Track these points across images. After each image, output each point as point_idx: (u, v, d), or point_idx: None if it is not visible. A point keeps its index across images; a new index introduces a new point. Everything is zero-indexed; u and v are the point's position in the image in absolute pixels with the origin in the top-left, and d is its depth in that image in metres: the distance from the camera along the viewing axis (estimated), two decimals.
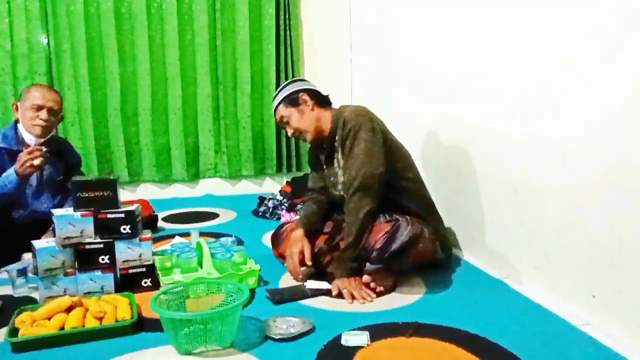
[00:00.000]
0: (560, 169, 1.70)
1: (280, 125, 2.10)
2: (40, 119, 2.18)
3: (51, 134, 2.30)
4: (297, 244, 2.01)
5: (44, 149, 2.13)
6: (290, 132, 2.05)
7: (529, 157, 1.85)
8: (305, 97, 2.02)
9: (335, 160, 2.01)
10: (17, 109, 2.24)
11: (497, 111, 2.04)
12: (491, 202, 2.11)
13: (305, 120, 2.01)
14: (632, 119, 1.41)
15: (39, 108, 2.18)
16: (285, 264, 2.07)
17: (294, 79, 2.21)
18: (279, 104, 2.04)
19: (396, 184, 1.97)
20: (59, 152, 2.39)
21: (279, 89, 2.08)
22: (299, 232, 2.06)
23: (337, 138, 1.98)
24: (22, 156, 2.10)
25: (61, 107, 2.30)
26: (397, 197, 1.97)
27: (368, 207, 1.84)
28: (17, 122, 2.26)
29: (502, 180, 2.02)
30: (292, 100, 2.02)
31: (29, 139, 2.22)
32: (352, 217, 1.84)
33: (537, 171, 1.81)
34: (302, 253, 1.99)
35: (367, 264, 1.91)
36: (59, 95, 2.31)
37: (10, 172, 2.12)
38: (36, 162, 2.09)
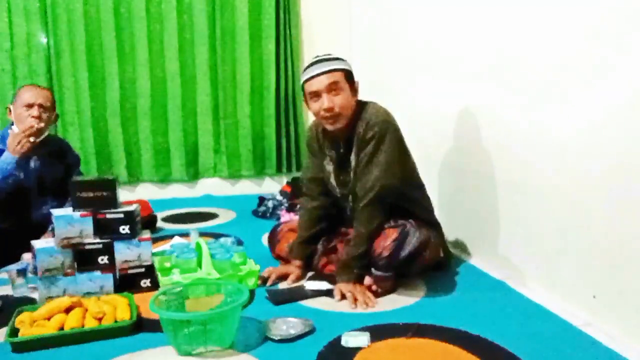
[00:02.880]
0: (561, 169, 1.70)
1: (316, 92, 1.79)
2: (32, 116, 2.19)
3: (47, 133, 2.30)
4: (290, 268, 2.00)
5: (36, 122, 2.16)
6: (327, 104, 1.78)
7: (530, 156, 1.85)
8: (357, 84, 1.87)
9: (350, 159, 1.90)
10: (10, 112, 2.25)
11: (497, 111, 2.03)
12: (492, 202, 2.10)
13: (349, 104, 1.83)
14: (633, 120, 1.41)
15: (30, 106, 2.20)
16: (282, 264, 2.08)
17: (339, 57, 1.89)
18: (339, 69, 1.80)
19: (404, 192, 1.92)
20: (58, 152, 2.39)
21: (330, 56, 1.84)
22: (298, 263, 2.02)
23: (356, 136, 1.86)
24: (17, 135, 2.13)
25: (53, 105, 2.31)
26: (402, 203, 1.92)
27: (380, 218, 1.84)
28: (12, 124, 2.27)
29: (503, 180, 2.02)
30: (351, 75, 1.84)
31: None
32: (364, 228, 1.82)
33: (538, 171, 1.81)
34: (285, 275, 1.98)
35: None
36: (50, 93, 2.33)
37: (6, 155, 2.14)
38: (32, 138, 2.13)
